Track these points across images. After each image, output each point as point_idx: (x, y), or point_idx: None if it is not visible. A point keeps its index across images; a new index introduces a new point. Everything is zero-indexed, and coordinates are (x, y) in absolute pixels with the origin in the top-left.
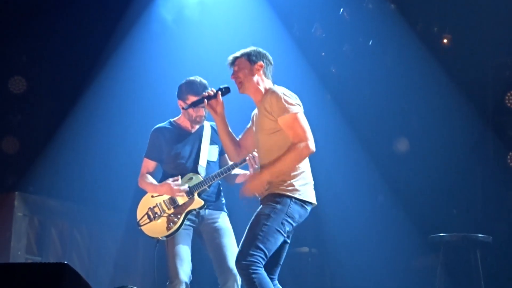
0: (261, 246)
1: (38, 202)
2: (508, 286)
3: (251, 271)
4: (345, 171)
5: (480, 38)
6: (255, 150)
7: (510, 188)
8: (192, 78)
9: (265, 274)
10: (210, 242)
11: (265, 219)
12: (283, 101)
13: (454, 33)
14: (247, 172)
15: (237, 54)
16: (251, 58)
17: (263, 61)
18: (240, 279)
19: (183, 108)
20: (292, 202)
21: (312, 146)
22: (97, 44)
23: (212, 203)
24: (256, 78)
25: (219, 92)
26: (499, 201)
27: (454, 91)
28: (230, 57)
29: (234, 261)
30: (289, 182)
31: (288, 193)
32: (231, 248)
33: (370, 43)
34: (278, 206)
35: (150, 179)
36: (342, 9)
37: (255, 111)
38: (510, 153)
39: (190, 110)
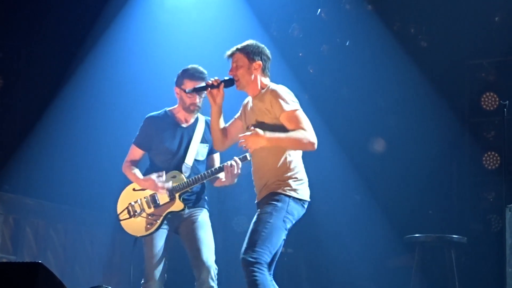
0: (266, 243)
1: (13, 201)
2: (481, 286)
3: (256, 269)
4: (321, 170)
5: (456, 39)
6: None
7: (486, 189)
8: (190, 65)
9: (268, 276)
10: (186, 235)
11: (267, 217)
12: (284, 97)
13: (431, 34)
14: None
15: (236, 48)
16: (250, 56)
17: (261, 59)
18: (215, 275)
19: (184, 91)
20: (290, 200)
21: (316, 143)
22: (74, 42)
23: (193, 202)
24: (253, 76)
25: (223, 84)
26: (474, 202)
27: (430, 92)
28: (229, 51)
29: (209, 254)
30: (285, 183)
31: (286, 193)
32: (207, 242)
33: (347, 44)
34: (279, 204)
35: (135, 169)
36: (319, 9)
37: (247, 101)
38: (486, 154)
39: (185, 97)
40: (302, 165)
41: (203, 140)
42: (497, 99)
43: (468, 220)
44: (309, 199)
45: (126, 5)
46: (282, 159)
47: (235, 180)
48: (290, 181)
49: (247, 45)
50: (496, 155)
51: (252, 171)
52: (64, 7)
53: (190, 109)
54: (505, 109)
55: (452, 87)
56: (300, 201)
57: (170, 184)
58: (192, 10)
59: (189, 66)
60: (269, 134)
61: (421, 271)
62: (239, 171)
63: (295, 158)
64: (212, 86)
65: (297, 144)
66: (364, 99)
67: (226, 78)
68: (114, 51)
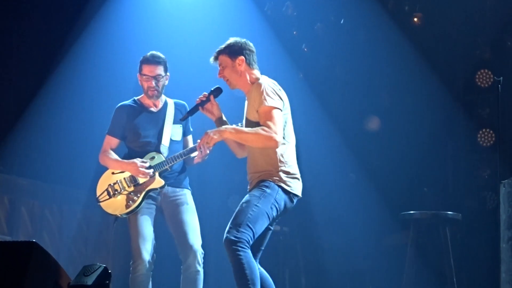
0: (250, 225)
1: (8, 181)
2: (476, 262)
3: (239, 247)
4: (316, 149)
5: (451, 17)
6: None
7: (480, 166)
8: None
9: (251, 255)
10: (171, 219)
11: (256, 200)
12: (264, 92)
13: (425, 12)
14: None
15: (217, 52)
16: (231, 54)
17: (243, 54)
18: (201, 259)
19: (141, 76)
20: (280, 190)
21: (279, 140)
22: (65, 24)
23: (174, 180)
24: (240, 72)
25: (212, 95)
26: (469, 179)
27: (424, 70)
28: (212, 57)
29: (195, 238)
30: (277, 173)
31: (276, 182)
32: (192, 225)
33: (341, 22)
34: (268, 190)
35: (114, 155)
36: None
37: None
38: (481, 132)
39: (142, 81)
40: (295, 161)
41: (175, 121)
42: (492, 76)
43: (463, 197)
44: (300, 195)
45: None
46: (274, 154)
47: (207, 157)
48: (281, 173)
49: (227, 45)
50: (491, 132)
51: (247, 167)
52: None
53: (148, 94)
54: (499, 86)
55: (446, 65)
56: (289, 194)
57: (151, 171)
58: None
59: (148, 53)
60: (230, 129)
61: (416, 248)
62: (211, 148)
63: (287, 153)
64: (202, 102)
65: (257, 140)
66: (358, 77)
67: (213, 88)
68: (106, 36)
